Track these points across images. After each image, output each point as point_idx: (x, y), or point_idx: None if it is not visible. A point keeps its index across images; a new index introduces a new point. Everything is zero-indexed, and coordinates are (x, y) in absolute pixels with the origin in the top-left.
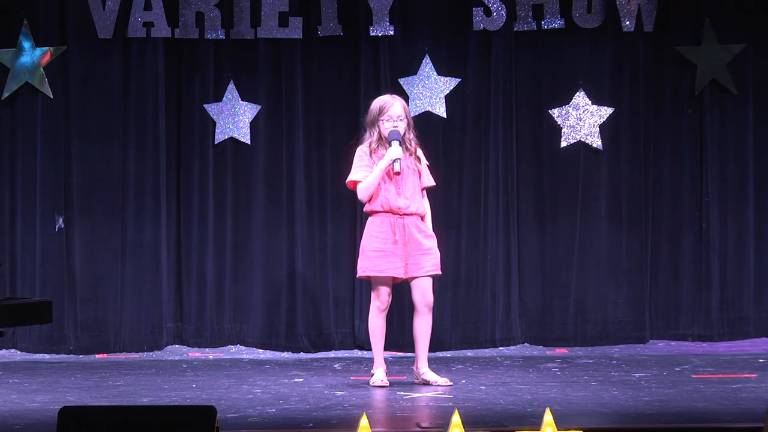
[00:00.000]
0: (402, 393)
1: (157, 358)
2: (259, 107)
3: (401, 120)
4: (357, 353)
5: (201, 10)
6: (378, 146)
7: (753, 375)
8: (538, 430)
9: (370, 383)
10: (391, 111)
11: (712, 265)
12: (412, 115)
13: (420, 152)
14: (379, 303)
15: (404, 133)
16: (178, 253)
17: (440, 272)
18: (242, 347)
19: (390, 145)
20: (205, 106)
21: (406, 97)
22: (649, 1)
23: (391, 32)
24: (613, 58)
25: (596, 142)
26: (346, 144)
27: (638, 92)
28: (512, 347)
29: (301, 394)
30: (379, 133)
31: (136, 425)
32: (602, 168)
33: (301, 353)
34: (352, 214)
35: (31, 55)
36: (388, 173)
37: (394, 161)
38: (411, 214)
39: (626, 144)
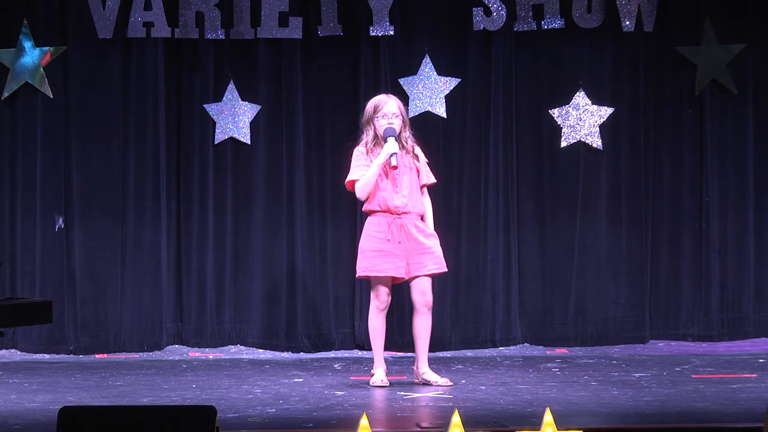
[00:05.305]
0: (402, 393)
1: (157, 358)
2: (259, 107)
3: (396, 117)
4: (357, 353)
5: (201, 10)
6: (374, 145)
7: (753, 375)
8: (538, 430)
9: (370, 383)
10: (385, 109)
11: (712, 265)
12: (412, 115)
13: (418, 150)
14: (378, 303)
15: (400, 131)
16: (178, 253)
17: (446, 269)
18: (242, 347)
19: (386, 142)
20: (205, 106)
21: (406, 97)
22: (649, 1)
23: (391, 32)
24: (613, 58)
25: (596, 142)
26: (346, 144)
27: (638, 92)
28: (512, 347)
29: (301, 394)
30: (375, 131)
31: (136, 425)
32: (602, 168)
33: (301, 353)
34: (352, 214)
35: (31, 55)
36: (385, 170)
37: (391, 156)
38: (409, 213)
39: (626, 144)
